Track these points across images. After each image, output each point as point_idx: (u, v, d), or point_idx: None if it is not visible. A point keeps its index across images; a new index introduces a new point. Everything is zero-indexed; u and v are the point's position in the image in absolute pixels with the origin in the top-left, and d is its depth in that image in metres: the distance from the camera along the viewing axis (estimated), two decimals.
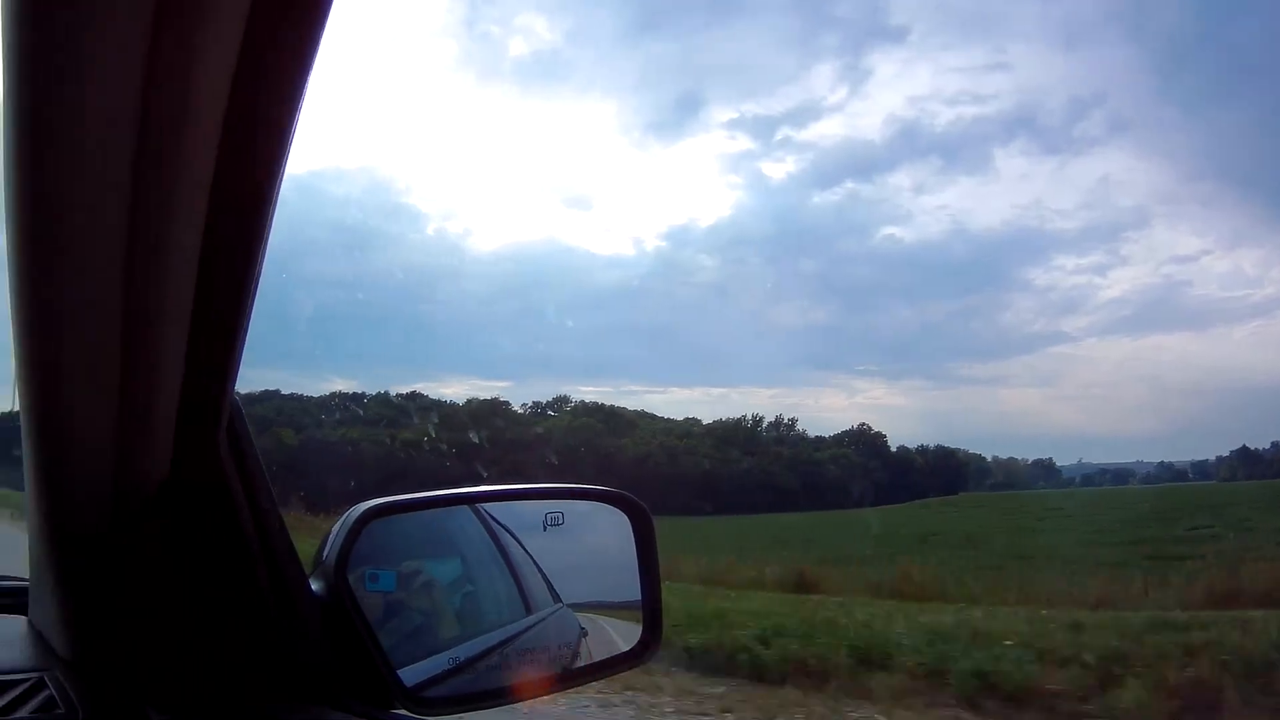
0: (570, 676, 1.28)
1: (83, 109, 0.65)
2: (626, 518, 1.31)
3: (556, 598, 1.29)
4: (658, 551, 1.30)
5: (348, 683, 1.06)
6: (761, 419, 50.36)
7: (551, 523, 1.28)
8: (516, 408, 43.08)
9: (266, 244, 0.79)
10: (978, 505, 36.42)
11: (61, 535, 1.03)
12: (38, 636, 1.21)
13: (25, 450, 0.97)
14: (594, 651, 1.27)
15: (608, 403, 46.89)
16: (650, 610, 1.28)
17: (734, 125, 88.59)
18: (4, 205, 0.71)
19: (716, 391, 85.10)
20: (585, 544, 1.34)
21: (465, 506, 1.30)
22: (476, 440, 31.80)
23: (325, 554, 1.09)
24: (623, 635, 1.30)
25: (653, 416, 47.80)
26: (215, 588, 1.06)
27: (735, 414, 51.53)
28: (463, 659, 1.17)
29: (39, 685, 1.06)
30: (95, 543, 1.02)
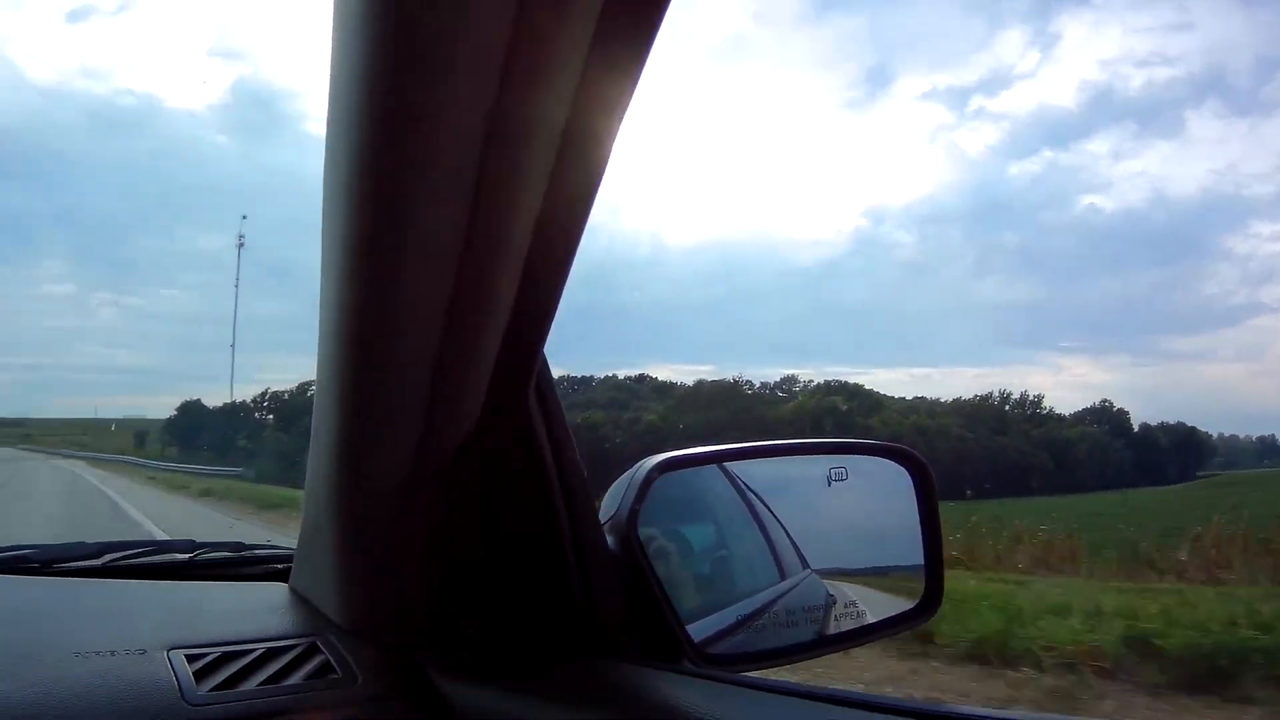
0: (844, 638, 1.25)
1: (441, 106, 0.70)
2: (906, 473, 1.27)
3: (804, 563, 1.25)
4: (938, 509, 1.26)
5: (635, 638, 1.06)
6: (1009, 395, 46.84)
7: (835, 478, 1.26)
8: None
9: (585, 223, 0.83)
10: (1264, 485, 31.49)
11: (352, 497, 1.05)
12: (304, 603, 1.23)
13: (324, 413, 1.01)
14: (843, 619, 1.23)
15: (850, 380, 44.53)
16: (933, 572, 1.24)
17: (927, 97, 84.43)
18: (346, 169, 0.76)
19: (919, 372, 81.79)
20: (845, 505, 1.29)
21: (714, 467, 1.27)
22: (715, 420, 30.01)
23: (617, 509, 1.10)
24: (866, 601, 1.26)
25: (883, 395, 45.04)
26: (516, 544, 1.07)
27: (937, 395, 48.33)
28: (735, 619, 1.16)
29: (311, 650, 1.08)
30: (386, 503, 1.03)
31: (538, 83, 0.69)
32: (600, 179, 0.79)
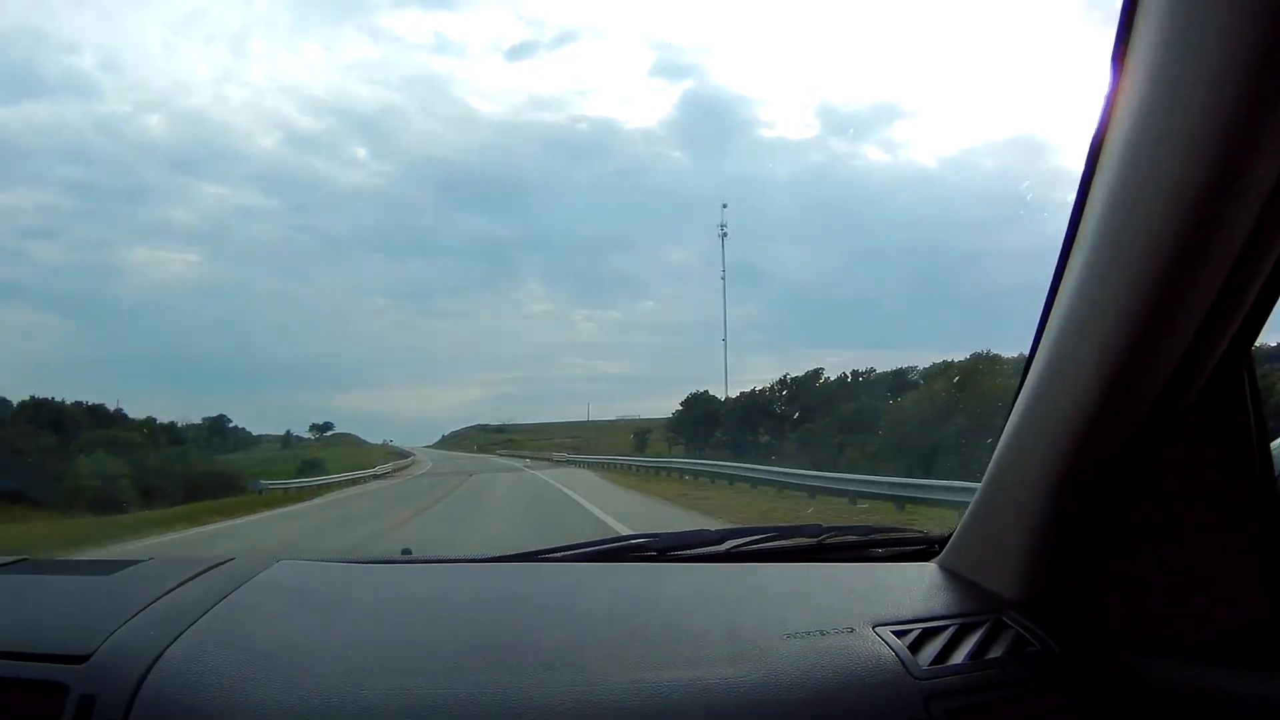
0: None
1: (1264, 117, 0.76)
2: None
3: None
4: None
5: None
6: None
7: None
8: None
9: None
10: None
11: (1059, 476, 1.08)
12: (962, 580, 1.31)
13: (1041, 394, 1.09)
14: None
15: None
16: None
17: None
18: (1148, 180, 0.87)
19: None
20: None
21: None
22: None
23: None
24: None
25: None
26: (1213, 517, 1.08)
27: None
28: None
29: (997, 625, 1.14)
30: (1095, 481, 1.07)
31: None
32: None
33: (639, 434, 56.00)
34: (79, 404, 37.05)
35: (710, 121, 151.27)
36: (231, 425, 59.85)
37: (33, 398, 34.79)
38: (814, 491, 16.30)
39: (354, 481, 30.55)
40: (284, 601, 1.28)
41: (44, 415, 32.64)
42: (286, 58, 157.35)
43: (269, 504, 20.34)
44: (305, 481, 28.15)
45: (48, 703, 1.01)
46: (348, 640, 1.13)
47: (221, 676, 1.01)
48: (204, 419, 55.53)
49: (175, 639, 1.10)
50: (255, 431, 67.83)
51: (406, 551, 1.75)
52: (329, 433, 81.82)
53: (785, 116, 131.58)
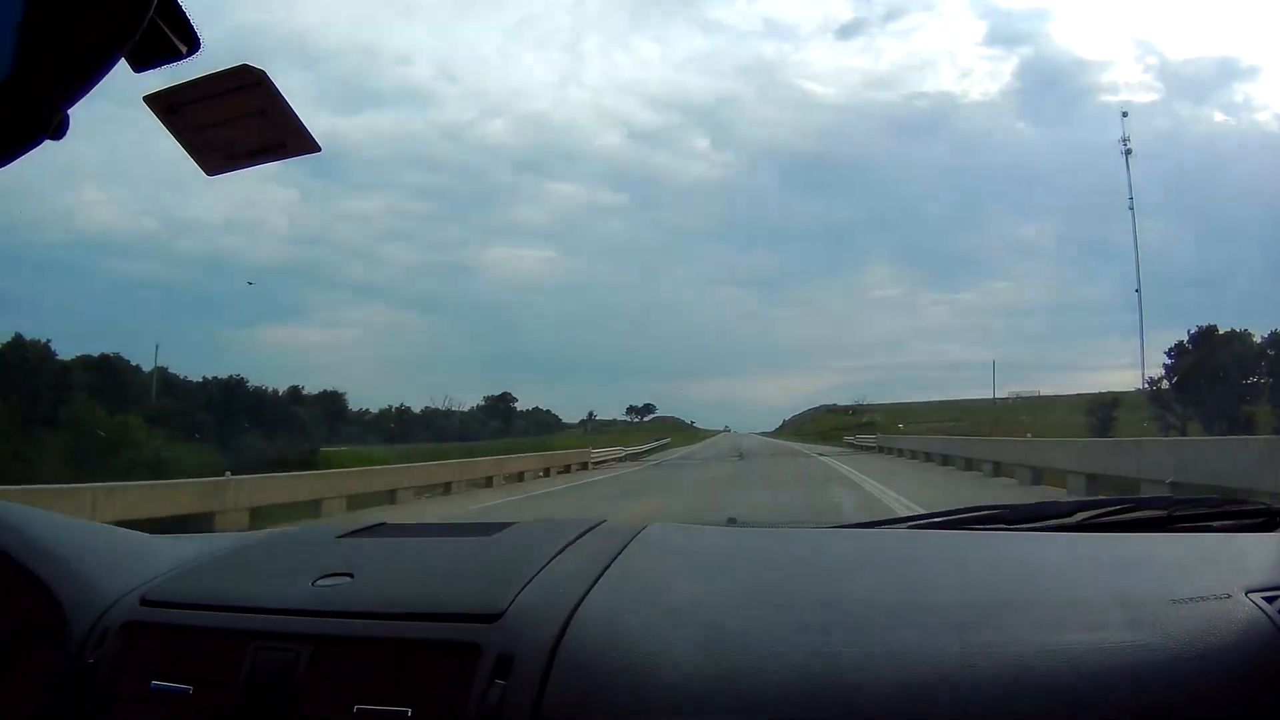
0: None
1: None
2: None
3: None
4: None
5: None
6: None
7: None
8: None
9: None
10: None
11: None
12: None
13: None
14: None
15: None
16: None
17: None
18: None
19: None
20: None
21: None
22: None
23: None
24: None
25: None
26: None
27: None
28: None
29: None
30: None
31: None
32: None
33: (1098, 408, 37.25)
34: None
35: (1051, 90, 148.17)
36: (517, 408, 60.15)
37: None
38: None
39: None
40: (670, 561, 1.34)
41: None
42: (621, 56, 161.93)
43: None
44: None
45: (459, 663, 1.04)
46: (745, 599, 1.16)
47: (636, 633, 1.04)
48: (485, 398, 57.86)
49: (583, 598, 1.14)
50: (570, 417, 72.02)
51: (732, 521, 1.80)
52: (649, 416, 77.97)
53: (1127, 79, 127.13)
